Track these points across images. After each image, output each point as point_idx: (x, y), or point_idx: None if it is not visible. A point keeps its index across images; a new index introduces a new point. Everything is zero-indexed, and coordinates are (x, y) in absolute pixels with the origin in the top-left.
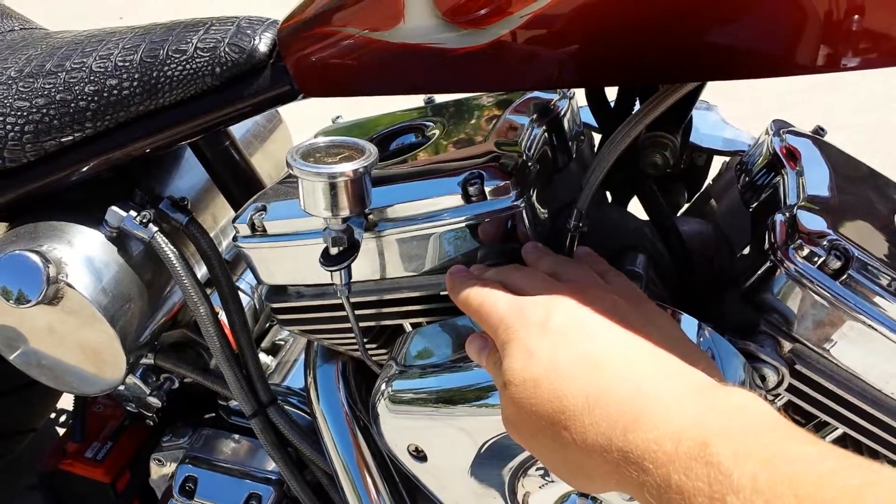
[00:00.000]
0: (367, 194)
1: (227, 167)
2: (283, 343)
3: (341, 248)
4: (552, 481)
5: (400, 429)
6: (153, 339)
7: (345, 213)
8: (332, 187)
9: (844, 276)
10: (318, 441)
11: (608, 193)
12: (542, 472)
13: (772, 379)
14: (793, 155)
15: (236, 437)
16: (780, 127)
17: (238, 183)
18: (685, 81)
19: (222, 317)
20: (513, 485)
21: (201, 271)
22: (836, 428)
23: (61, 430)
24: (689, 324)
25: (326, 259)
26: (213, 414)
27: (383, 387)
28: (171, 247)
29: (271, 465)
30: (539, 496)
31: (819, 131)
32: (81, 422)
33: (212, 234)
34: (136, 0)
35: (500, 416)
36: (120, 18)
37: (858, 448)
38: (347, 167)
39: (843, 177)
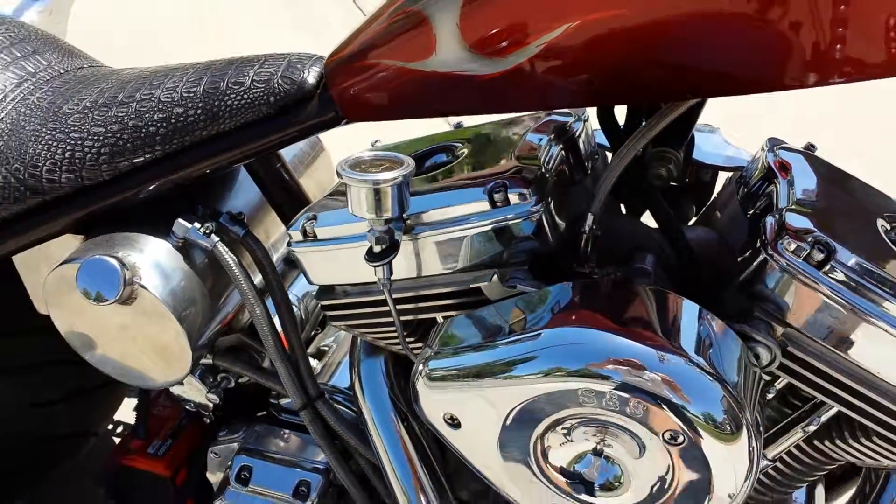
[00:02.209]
0: (405, 200)
1: (279, 186)
2: (327, 349)
3: (384, 247)
4: (571, 440)
5: (436, 401)
6: (214, 339)
7: (387, 215)
8: (376, 192)
9: (827, 267)
10: (362, 432)
11: (622, 206)
12: (564, 431)
13: (765, 357)
14: (784, 167)
15: (286, 432)
16: (774, 144)
17: (288, 200)
18: (682, 99)
19: (275, 320)
20: (535, 445)
21: (256, 279)
22: (832, 407)
23: (117, 440)
24: (690, 308)
25: (371, 256)
26: (265, 412)
27: (420, 367)
28: (231, 255)
29: (319, 457)
30: (559, 453)
31: (810, 147)
32: (144, 420)
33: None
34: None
35: (523, 385)
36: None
37: (851, 426)
38: (389, 175)
39: (830, 185)
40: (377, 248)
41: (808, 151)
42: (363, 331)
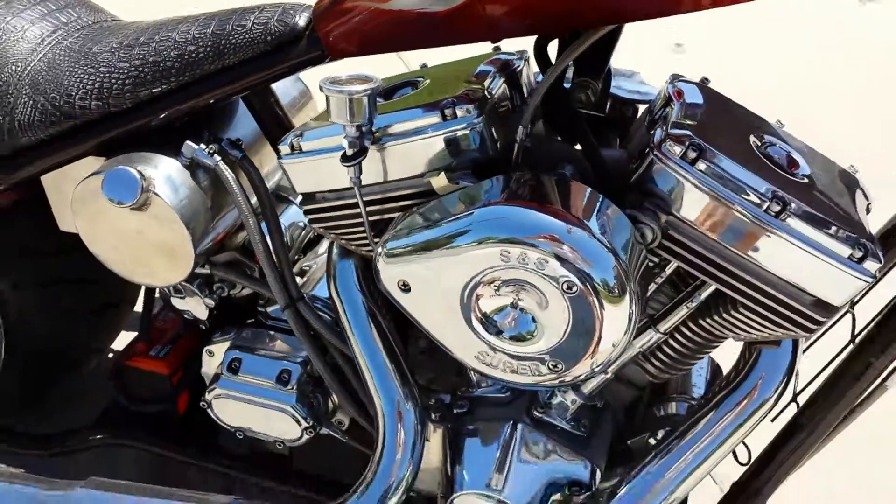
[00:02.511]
0: (373, 111)
1: (273, 121)
2: (307, 269)
3: (355, 150)
4: (499, 294)
5: (392, 273)
6: (212, 248)
7: (358, 120)
8: (350, 101)
9: (700, 165)
10: (337, 330)
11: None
12: (491, 289)
13: (649, 236)
14: (679, 94)
15: (272, 332)
16: (675, 77)
17: (281, 134)
18: (595, 26)
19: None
20: (469, 302)
21: (252, 200)
22: (710, 286)
23: None
24: (593, 196)
25: (345, 159)
26: (254, 319)
27: (380, 249)
28: (231, 172)
29: (300, 354)
30: (486, 306)
31: (704, 80)
32: (148, 325)
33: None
34: None
35: (460, 254)
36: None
37: (725, 301)
38: (360, 87)
39: (714, 108)
40: (350, 151)
41: (703, 84)
42: (338, 233)
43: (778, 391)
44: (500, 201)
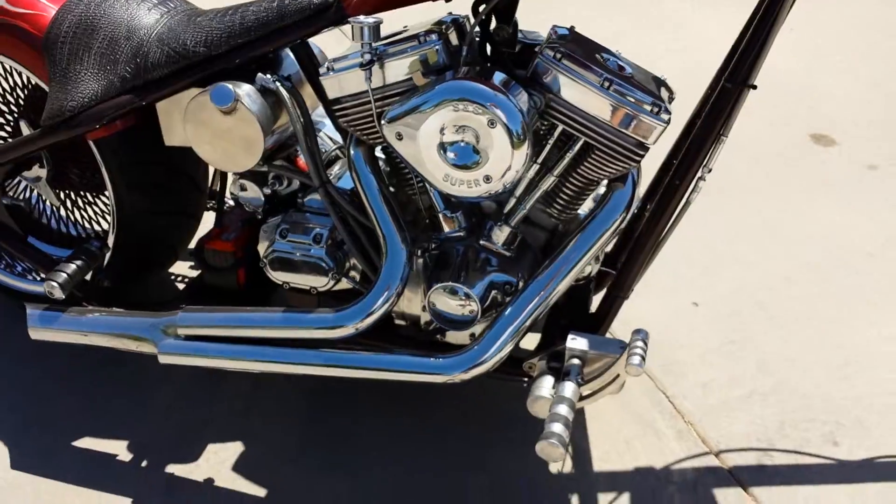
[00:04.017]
0: (377, 36)
1: (312, 66)
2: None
3: (367, 61)
4: (453, 133)
5: (390, 130)
6: (271, 149)
7: (368, 40)
8: (363, 28)
9: (563, 60)
10: (356, 203)
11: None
12: (451, 128)
13: (537, 102)
14: (555, 33)
15: (308, 214)
16: (554, 26)
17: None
18: None
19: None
20: (439, 140)
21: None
22: (579, 139)
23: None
24: (499, 76)
25: (362, 66)
26: (296, 209)
27: (383, 121)
28: (286, 93)
29: (328, 225)
30: (447, 139)
31: (572, 27)
32: (220, 214)
33: None
34: None
35: (431, 111)
36: None
37: (587, 152)
38: (369, 20)
39: (578, 39)
40: (365, 61)
41: (571, 28)
42: (355, 124)
43: (623, 213)
44: (452, 79)
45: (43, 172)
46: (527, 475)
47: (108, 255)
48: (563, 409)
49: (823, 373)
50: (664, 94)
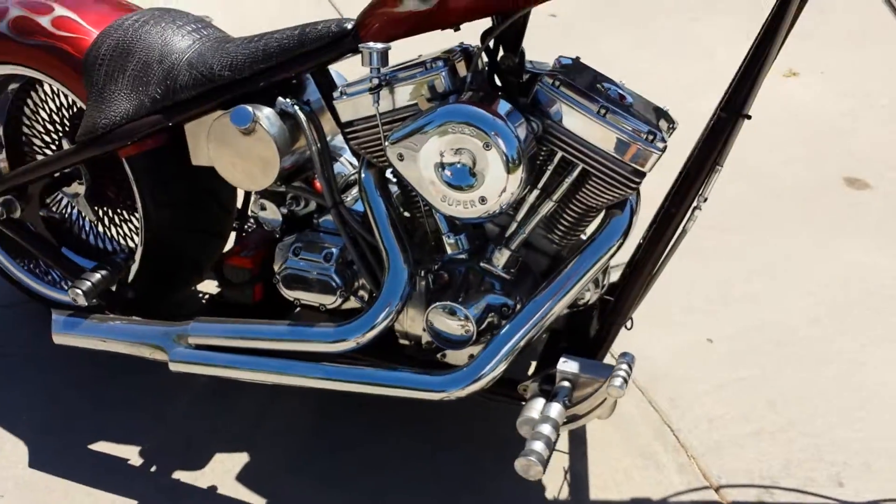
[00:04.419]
0: (385, 62)
1: (331, 91)
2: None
3: (375, 85)
4: (452, 155)
5: (393, 152)
6: (287, 171)
7: (376, 65)
8: (371, 54)
9: (561, 88)
10: (366, 224)
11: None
12: (450, 151)
13: (535, 128)
14: (559, 63)
15: (321, 234)
16: (560, 56)
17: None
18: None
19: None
20: (437, 162)
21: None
22: (577, 165)
23: None
24: (498, 101)
25: (371, 90)
26: (310, 229)
27: (388, 144)
28: (304, 116)
29: (339, 245)
30: (445, 161)
31: (577, 58)
32: (240, 233)
33: None
34: None
35: (431, 132)
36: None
37: (586, 179)
38: (379, 45)
39: (580, 69)
40: (373, 84)
41: (576, 59)
42: (365, 147)
43: (620, 240)
44: (454, 102)
45: (81, 189)
46: (519, 499)
47: (134, 269)
48: (545, 429)
49: (836, 414)
50: (664, 123)
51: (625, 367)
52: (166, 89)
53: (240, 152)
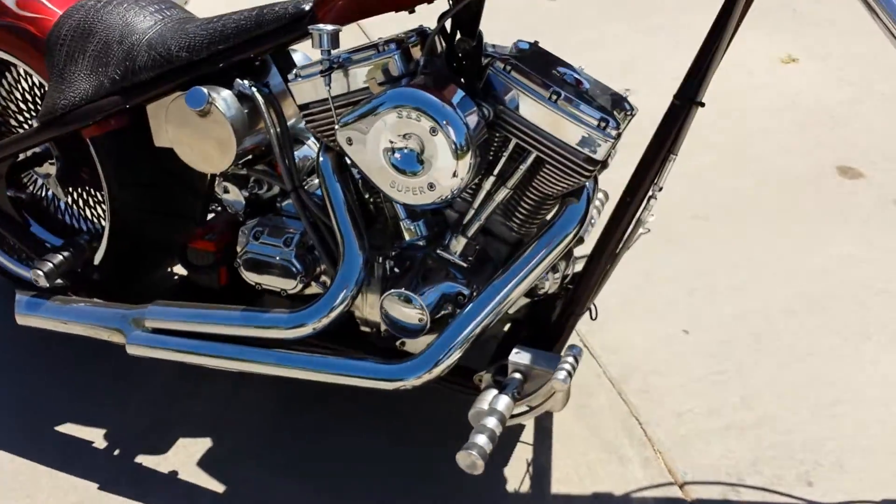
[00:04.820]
0: (335, 44)
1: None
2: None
3: (326, 68)
4: (399, 140)
5: (343, 135)
6: (246, 153)
7: (326, 47)
8: (321, 35)
9: (512, 73)
10: (323, 207)
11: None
12: (397, 136)
13: (486, 113)
14: (517, 47)
15: (284, 218)
16: (518, 40)
17: None
18: None
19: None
20: (384, 146)
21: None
22: (531, 153)
23: None
24: (448, 86)
25: (321, 73)
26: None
27: (338, 127)
28: (262, 99)
29: (300, 230)
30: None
31: (535, 42)
32: (205, 220)
33: None
34: None
35: (378, 116)
36: None
37: (540, 166)
38: (330, 27)
39: (538, 54)
40: (324, 67)
41: (534, 43)
42: (320, 130)
43: (577, 228)
44: (403, 86)
45: (53, 169)
46: (479, 491)
47: (101, 250)
48: (491, 422)
49: (810, 411)
50: (620, 111)
51: (570, 360)
52: (125, 70)
53: (196, 134)
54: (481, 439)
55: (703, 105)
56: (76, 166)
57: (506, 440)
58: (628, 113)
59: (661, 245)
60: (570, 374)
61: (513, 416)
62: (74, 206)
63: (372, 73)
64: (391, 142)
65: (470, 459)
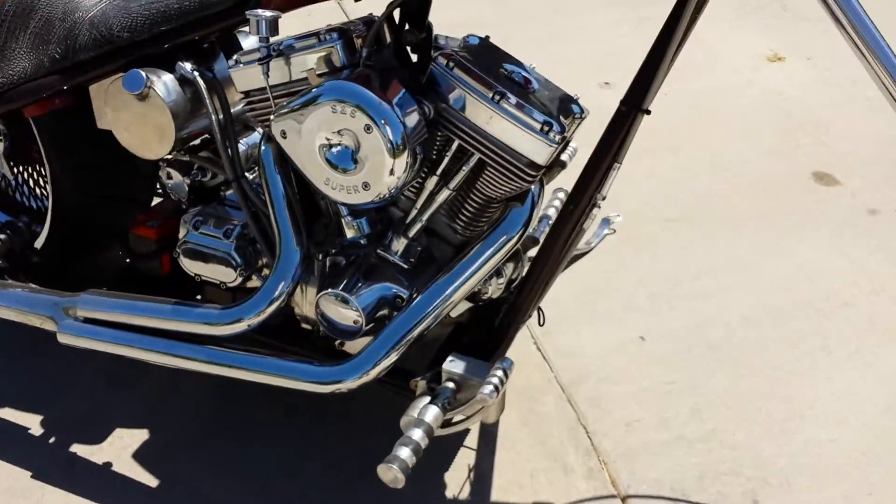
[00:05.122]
0: (273, 31)
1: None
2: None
3: (263, 55)
4: (334, 135)
5: (277, 127)
6: (187, 139)
7: (263, 34)
8: (258, 22)
9: (455, 70)
10: (262, 199)
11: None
12: (333, 135)
13: (426, 111)
14: (465, 41)
15: (226, 208)
16: (468, 34)
17: None
18: None
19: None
20: (318, 143)
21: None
22: (475, 154)
23: None
24: (388, 81)
25: (259, 61)
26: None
27: (272, 116)
28: (204, 83)
29: (241, 220)
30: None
31: (486, 37)
32: (147, 206)
33: None
34: None
35: (312, 110)
36: None
37: (482, 168)
38: (268, 13)
39: (486, 49)
40: (262, 55)
41: (484, 38)
42: (262, 120)
43: (520, 233)
44: (339, 79)
45: (0, 147)
46: (418, 496)
47: (44, 234)
48: (416, 434)
49: (761, 425)
50: (567, 115)
51: (499, 373)
52: (66, 49)
53: (134, 118)
54: (404, 452)
55: (648, 112)
56: (24, 144)
57: (449, 443)
58: (577, 116)
59: (627, 247)
60: (496, 389)
61: (447, 425)
62: (25, 186)
63: (311, 63)
64: (324, 137)
65: (391, 474)
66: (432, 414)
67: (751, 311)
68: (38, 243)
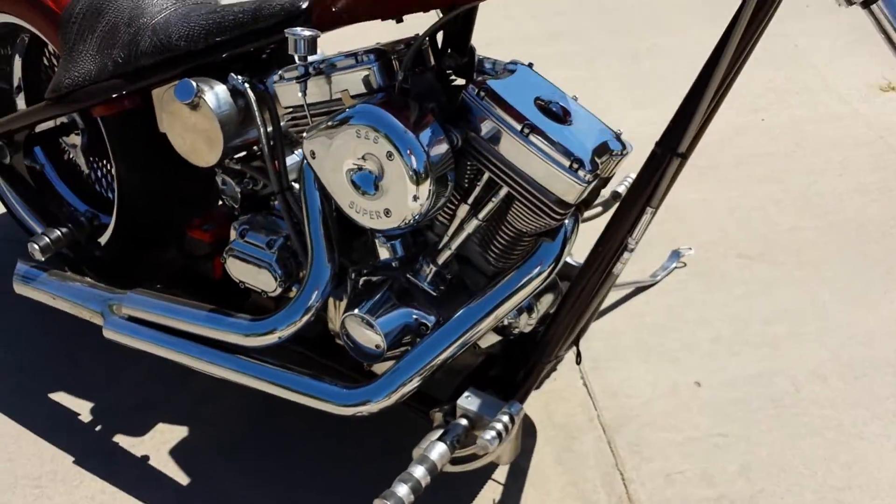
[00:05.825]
0: (312, 50)
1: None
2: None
3: (301, 74)
4: (362, 163)
5: (308, 147)
6: (237, 148)
7: (303, 54)
8: (296, 40)
9: (485, 101)
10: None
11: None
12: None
13: (453, 140)
14: (504, 68)
15: (273, 218)
16: (512, 61)
17: None
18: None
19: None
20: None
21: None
22: (503, 187)
23: None
24: (417, 107)
25: (298, 79)
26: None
27: (304, 137)
28: (254, 95)
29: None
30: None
31: (530, 64)
32: (205, 210)
33: None
34: None
35: (338, 132)
36: None
37: (511, 201)
38: (307, 31)
39: (525, 77)
40: (300, 73)
41: (529, 65)
42: (302, 133)
43: (550, 268)
44: (368, 103)
45: (79, 141)
46: None
47: (110, 228)
48: (418, 472)
49: (814, 492)
50: (605, 152)
51: (504, 418)
52: (129, 54)
53: (186, 126)
54: (402, 490)
55: (685, 157)
56: (100, 140)
57: (476, 475)
58: (616, 153)
59: (696, 282)
60: (499, 436)
61: (459, 462)
62: (104, 179)
63: (346, 84)
64: (351, 161)
65: None
66: (439, 452)
67: (822, 364)
68: (103, 239)
